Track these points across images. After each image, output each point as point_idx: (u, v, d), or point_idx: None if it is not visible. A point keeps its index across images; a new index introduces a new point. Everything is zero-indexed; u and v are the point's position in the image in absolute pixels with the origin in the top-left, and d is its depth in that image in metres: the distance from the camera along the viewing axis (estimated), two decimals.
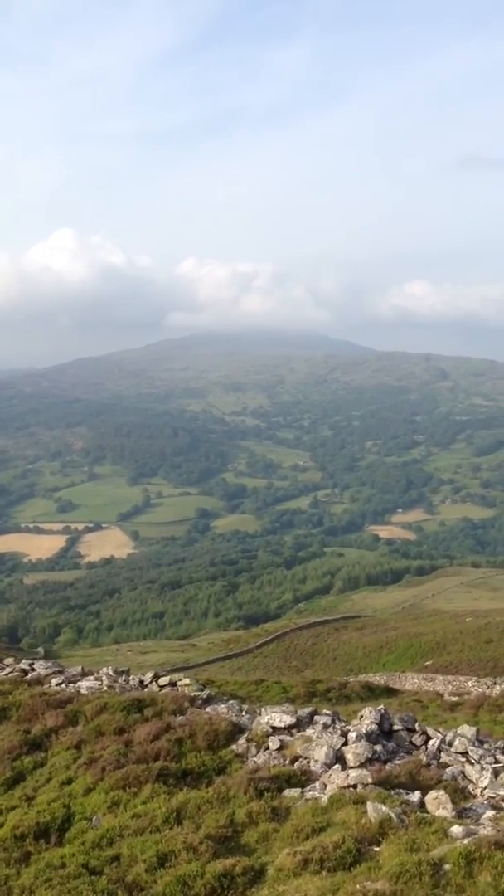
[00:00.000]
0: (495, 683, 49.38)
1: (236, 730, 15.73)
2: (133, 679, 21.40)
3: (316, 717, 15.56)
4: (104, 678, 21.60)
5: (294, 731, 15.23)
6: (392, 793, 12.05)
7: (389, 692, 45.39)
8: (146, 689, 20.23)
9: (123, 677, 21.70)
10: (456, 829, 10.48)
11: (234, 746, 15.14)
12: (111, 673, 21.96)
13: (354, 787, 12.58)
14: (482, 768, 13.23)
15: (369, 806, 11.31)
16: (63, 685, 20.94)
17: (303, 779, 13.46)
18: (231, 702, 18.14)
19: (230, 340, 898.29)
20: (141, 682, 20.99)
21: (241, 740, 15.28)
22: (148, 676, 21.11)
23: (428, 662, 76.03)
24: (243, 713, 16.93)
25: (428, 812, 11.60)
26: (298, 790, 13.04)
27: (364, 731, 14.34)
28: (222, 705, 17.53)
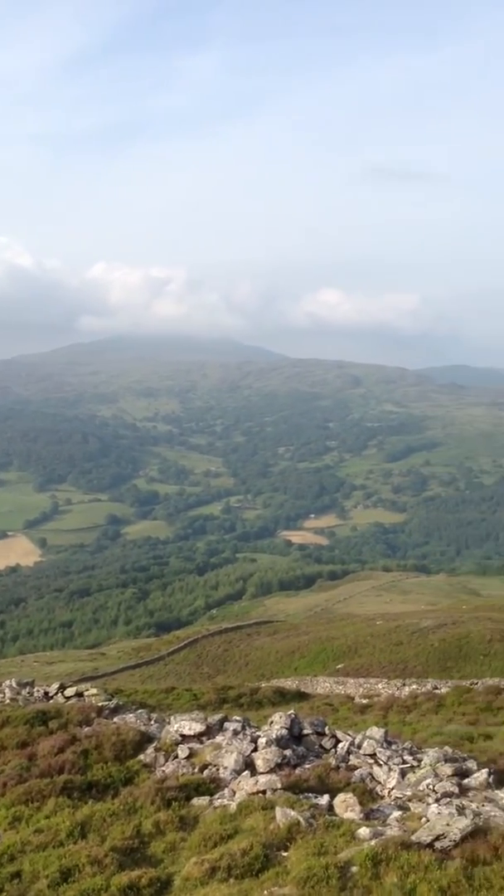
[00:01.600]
0: (405, 685, 50.29)
1: (144, 739, 15.46)
2: (37, 691, 20.84)
3: (226, 724, 15.42)
4: (7, 691, 20.97)
5: (204, 738, 15.06)
6: (301, 797, 12.01)
7: (301, 696, 45.59)
8: (51, 701, 19.72)
9: (27, 689, 21.10)
10: (363, 831, 10.49)
11: (141, 756, 14.87)
12: (14, 685, 21.32)
13: (264, 792, 12.50)
14: (390, 769, 13.32)
15: (278, 811, 11.24)
16: None
17: (212, 786, 13.30)
18: (140, 711, 17.84)
19: (142, 345, 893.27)
20: (46, 693, 20.45)
21: (150, 750, 15.02)
22: (53, 688, 20.59)
23: (339, 666, 76.90)
24: (152, 722, 16.65)
25: (336, 815, 11.60)
26: (207, 798, 12.87)
27: (274, 736, 14.29)
28: (131, 715, 17.21)
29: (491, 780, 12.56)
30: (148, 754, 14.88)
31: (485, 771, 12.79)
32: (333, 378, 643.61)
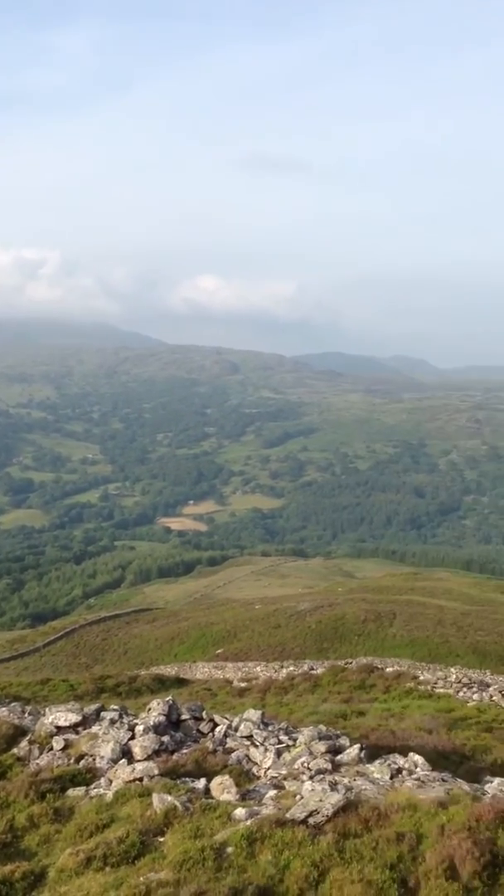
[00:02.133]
0: (282, 667, 51.21)
1: (18, 733, 15.16)
2: None
3: (103, 714, 15.30)
4: None
5: (80, 728, 14.89)
6: (178, 782, 12.08)
7: (180, 683, 45.73)
8: None
9: None
10: (239, 812, 10.65)
11: (15, 750, 14.57)
12: None
13: (141, 780, 12.49)
14: (266, 750, 13.56)
15: (155, 797, 11.26)
16: None
17: (88, 777, 13.18)
18: (13, 704, 17.47)
19: (15, 329, 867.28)
20: None
21: (24, 743, 14.73)
22: None
23: (219, 651, 77.49)
24: (26, 715, 16.34)
25: (213, 798, 11.72)
26: (83, 789, 12.76)
27: (152, 723, 14.28)
28: (3, 709, 16.82)
29: (362, 755, 12.98)
30: (21, 748, 14.59)
31: (356, 746, 13.20)
32: (212, 364, 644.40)
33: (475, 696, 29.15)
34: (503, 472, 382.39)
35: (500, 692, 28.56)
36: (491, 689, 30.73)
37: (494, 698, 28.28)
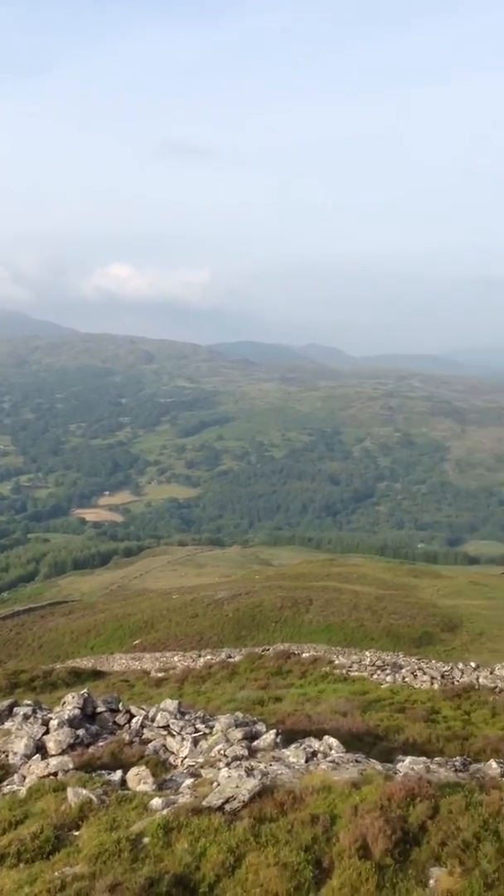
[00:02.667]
0: (200, 656, 51.29)
1: None
2: None
3: (16, 709, 15.07)
4: None
5: None
6: (94, 775, 11.98)
7: (97, 675, 45.27)
8: None
9: None
10: (156, 802, 10.64)
11: None
12: None
13: (56, 774, 12.35)
14: (183, 739, 13.58)
15: (69, 791, 11.14)
16: None
17: (0, 774, 12.94)
18: None
19: None
20: None
21: None
22: None
23: (136, 642, 77.12)
24: None
25: (130, 789, 11.67)
26: None
27: (66, 717, 14.13)
28: None
29: (278, 739, 13.12)
30: None
31: (273, 732, 13.34)
32: (126, 353, 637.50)
33: (388, 678, 29.80)
34: (415, 459, 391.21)
35: (413, 673, 29.26)
36: (404, 670, 31.44)
37: (407, 679, 28.95)
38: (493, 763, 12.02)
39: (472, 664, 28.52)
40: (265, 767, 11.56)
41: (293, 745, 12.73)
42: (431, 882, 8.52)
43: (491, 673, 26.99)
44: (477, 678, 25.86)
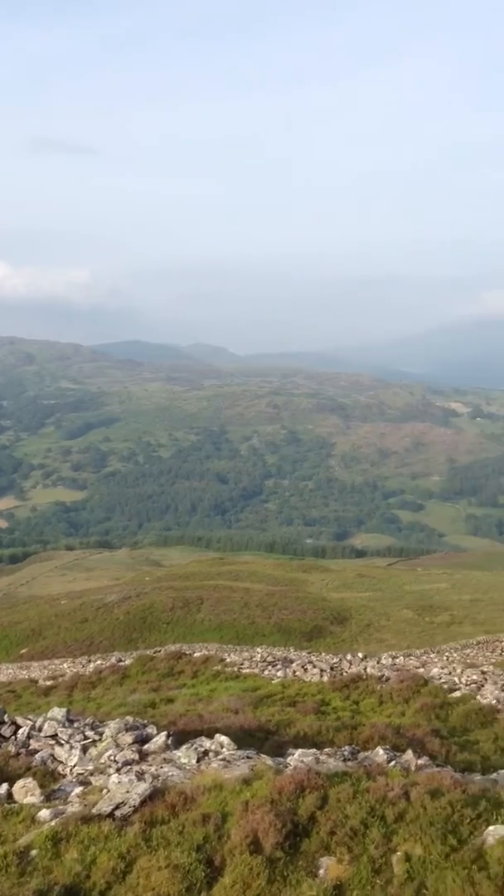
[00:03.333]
0: (90, 661, 50.53)
1: None
2: None
3: None
4: None
5: None
6: None
7: None
8: None
9: None
10: (44, 813, 10.40)
11: None
12: None
13: None
14: (71, 747, 13.31)
15: None
16: None
17: None
18: None
19: None
20: None
21: None
22: None
23: (23, 650, 75.29)
24: None
25: (16, 802, 11.36)
26: None
27: None
28: None
29: (169, 741, 13.05)
30: None
31: (163, 734, 13.26)
32: (6, 355, 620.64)
33: (279, 673, 30.14)
34: (301, 456, 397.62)
35: (303, 667, 29.70)
36: (294, 664, 31.87)
37: (297, 673, 29.36)
38: (379, 750, 12.32)
39: (360, 655, 29.19)
40: (156, 770, 11.48)
41: (184, 746, 12.68)
42: (321, 872, 8.65)
43: (378, 662, 27.70)
44: (364, 668, 26.47)
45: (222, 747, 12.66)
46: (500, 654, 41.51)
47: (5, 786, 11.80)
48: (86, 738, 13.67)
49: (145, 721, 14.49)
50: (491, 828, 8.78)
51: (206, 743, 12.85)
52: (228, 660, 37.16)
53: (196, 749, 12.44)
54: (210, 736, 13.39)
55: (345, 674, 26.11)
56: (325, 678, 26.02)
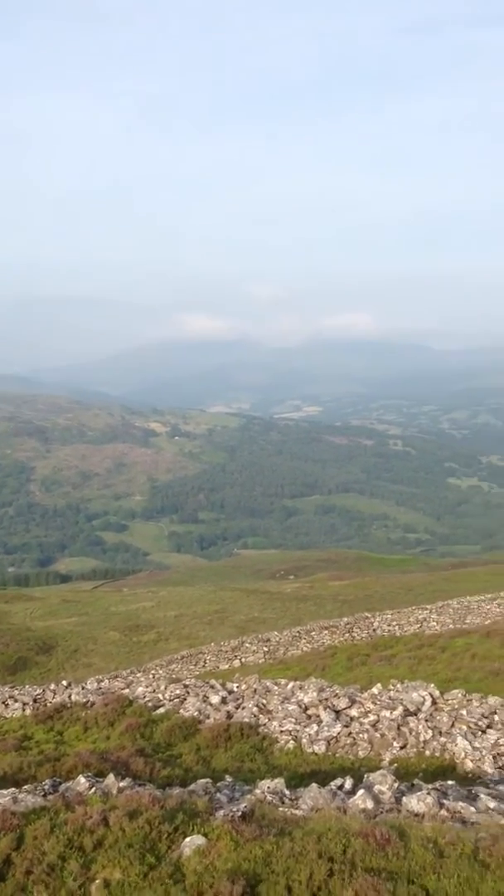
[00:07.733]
0: None
1: None
2: None
3: None
4: None
5: None
6: None
7: None
8: None
9: None
10: None
11: None
12: None
13: None
14: None
15: None
16: None
17: None
18: None
19: None
20: None
21: None
22: None
23: None
24: None
25: None
26: None
27: None
28: None
29: None
30: None
31: None
32: None
33: None
34: (1, 481, 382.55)
35: (3, 702, 28.43)
36: None
37: None
38: (81, 778, 12.13)
39: (65, 682, 28.52)
40: None
41: None
42: None
43: (83, 688, 27.27)
44: (69, 696, 25.92)
45: None
46: (203, 666, 42.93)
47: None
48: None
49: None
50: (187, 839, 9.00)
51: None
52: None
53: None
54: None
55: (48, 704, 25.40)
56: (28, 711, 25.17)
